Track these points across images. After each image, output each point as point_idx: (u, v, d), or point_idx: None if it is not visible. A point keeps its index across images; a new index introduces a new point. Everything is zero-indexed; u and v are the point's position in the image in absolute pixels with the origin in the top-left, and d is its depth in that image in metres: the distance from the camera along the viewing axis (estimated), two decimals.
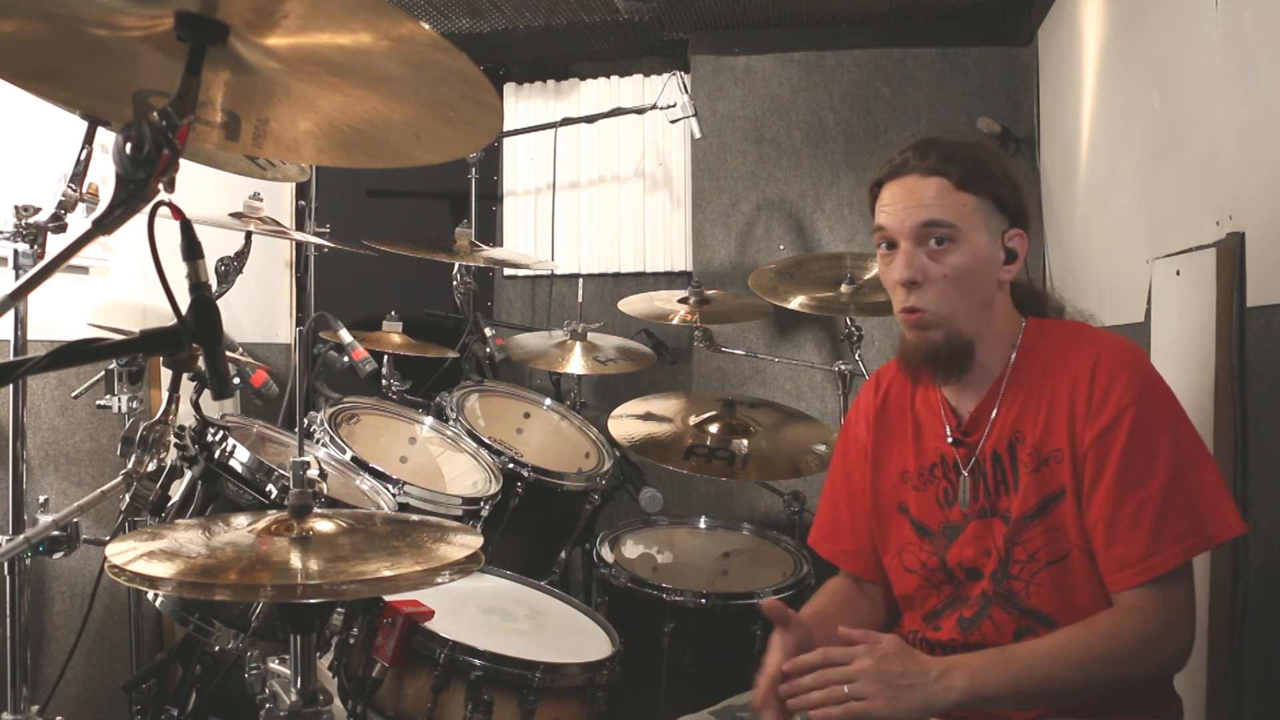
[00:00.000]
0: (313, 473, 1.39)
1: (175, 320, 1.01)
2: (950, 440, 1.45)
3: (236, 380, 2.08)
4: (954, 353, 1.40)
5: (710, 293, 3.05)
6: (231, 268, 2.38)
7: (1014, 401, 1.40)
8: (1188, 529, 1.25)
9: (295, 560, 1.26)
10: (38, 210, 1.91)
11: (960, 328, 1.39)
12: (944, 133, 1.44)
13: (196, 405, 1.79)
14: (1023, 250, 1.41)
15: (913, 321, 1.40)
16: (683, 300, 3.03)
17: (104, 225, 0.97)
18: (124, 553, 1.25)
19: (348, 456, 2.20)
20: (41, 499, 2.19)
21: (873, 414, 1.58)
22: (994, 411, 1.42)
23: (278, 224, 2.60)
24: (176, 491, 1.82)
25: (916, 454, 1.50)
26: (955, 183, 1.36)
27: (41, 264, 1.01)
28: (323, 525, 1.36)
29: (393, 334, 2.93)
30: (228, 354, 1.58)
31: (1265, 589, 1.51)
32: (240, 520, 1.40)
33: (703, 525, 2.72)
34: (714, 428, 2.68)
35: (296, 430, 2.05)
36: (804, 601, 2.37)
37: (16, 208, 1.90)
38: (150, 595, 1.82)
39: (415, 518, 1.52)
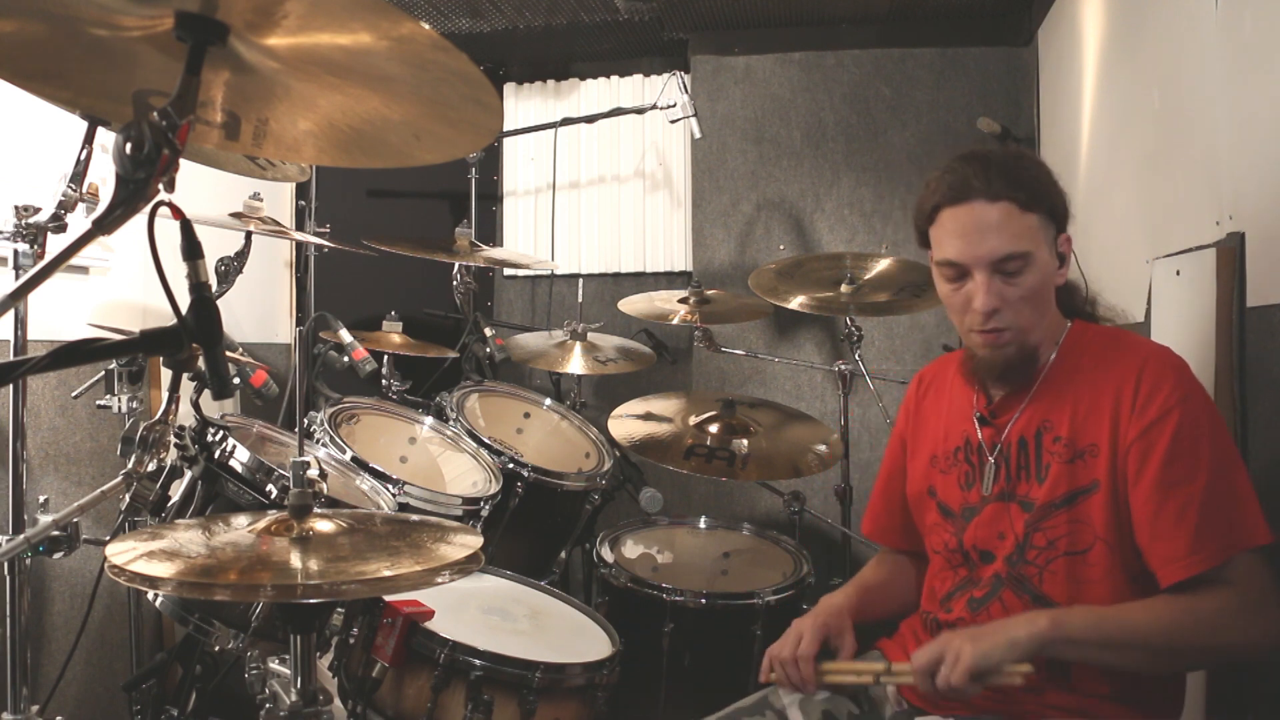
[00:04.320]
0: (313, 473, 1.39)
1: (175, 320, 1.01)
2: (977, 418, 1.51)
3: (236, 380, 2.08)
4: (1024, 361, 1.46)
5: (710, 293, 3.05)
6: (231, 268, 2.38)
7: (1047, 394, 1.45)
8: (1226, 529, 1.29)
9: (295, 560, 1.26)
10: (38, 210, 1.91)
11: (1029, 338, 1.45)
12: (985, 146, 1.48)
13: (196, 405, 1.79)
14: (1069, 252, 1.46)
15: (993, 342, 1.44)
16: (683, 300, 3.03)
17: (104, 225, 0.97)
18: (124, 553, 1.25)
19: (348, 456, 2.20)
20: (41, 499, 2.19)
21: (912, 407, 1.68)
22: (1025, 400, 1.47)
23: (278, 224, 2.60)
24: (176, 491, 1.82)
25: (944, 438, 1.57)
26: (1021, 206, 1.39)
27: (41, 264, 1.01)
28: (323, 525, 1.36)
29: (393, 334, 2.92)
30: (228, 354, 1.58)
31: None
32: (240, 520, 1.40)
33: (703, 525, 2.72)
34: (714, 428, 2.68)
35: (296, 430, 2.05)
36: (803, 601, 2.38)
37: (16, 208, 1.90)
38: (150, 595, 1.82)
39: (415, 518, 1.52)
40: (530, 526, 2.51)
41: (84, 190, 1.91)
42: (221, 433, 1.80)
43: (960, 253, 1.42)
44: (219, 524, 1.39)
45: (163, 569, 1.22)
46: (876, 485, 1.75)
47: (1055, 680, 1.37)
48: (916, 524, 1.63)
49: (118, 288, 2.55)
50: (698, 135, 3.24)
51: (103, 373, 2.14)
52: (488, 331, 3.06)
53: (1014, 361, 1.45)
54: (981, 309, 1.41)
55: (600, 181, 3.85)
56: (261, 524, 1.36)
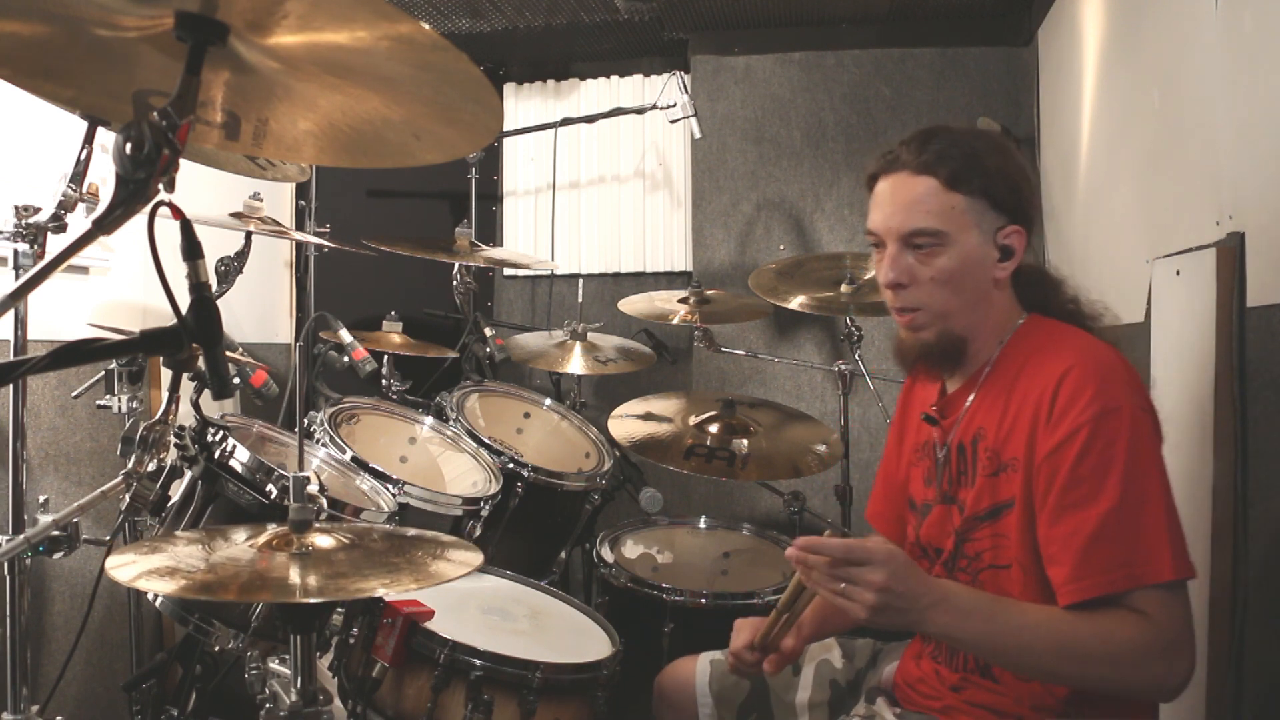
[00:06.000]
0: (312, 488, 1.40)
1: (175, 320, 1.01)
2: (925, 417, 1.50)
3: (236, 380, 2.08)
4: (946, 351, 1.41)
5: (710, 293, 3.05)
6: (231, 268, 2.37)
7: (985, 397, 1.41)
8: (1117, 563, 1.21)
9: (294, 576, 1.27)
10: (38, 210, 1.91)
11: (952, 326, 1.39)
12: (949, 124, 1.42)
13: (196, 405, 1.79)
14: (1020, 246, 1.39)
15: (904, 323, 1.42)
16: (683, 300, 3.03)
17: (104, 225, 0.97)
18: (123, 566, 1.26)
19: (348, 456, 2.20)
20: (41, 499, 2.19)
21: (902, 400, 1.67)
22: (968, 400, 1.44)
23: (278, 224, 2.60)
24: (176, 491, 1.82)
25: (917, 430, 1.56)
26: (945, 182, 1.34)
27: (41, 264, 1.01)
28: (322, 540, 1.37)
29: (393, 334, 2.92)
30: (228, 354, 1.58)
31: (1265, 589, 1.51)
32: (240, 535, 1.41)
33: (703, 525, 2.72)
34: (714, 428, 2.68)
35: (296, 430, 2.05)
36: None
37: (16, 208, 1.90)
38: (150, 595, 1.82)
39: (412, 532, 1.52)
40: (530, 526, 2.51)
41: (84, 190, 1.91)
42: (221, 433, 1.80)
43: (875, 222, 1.42)
44: (218, 538, 1.39)
45: (162, 585, 1.23)
46: (879, 471, 1.72)
47: (979, 680, 1.38)
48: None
49: (118, 288, 2.55)
50: (698, 135, 3.25)
51: (103, 373, 2.14)
52: (488, 331, 3.06)
53: (934, 348, 1.40)
54: (881, 280, 1.40)
55: (600, 181, 3.85)
56: (261, 539, 1.37)
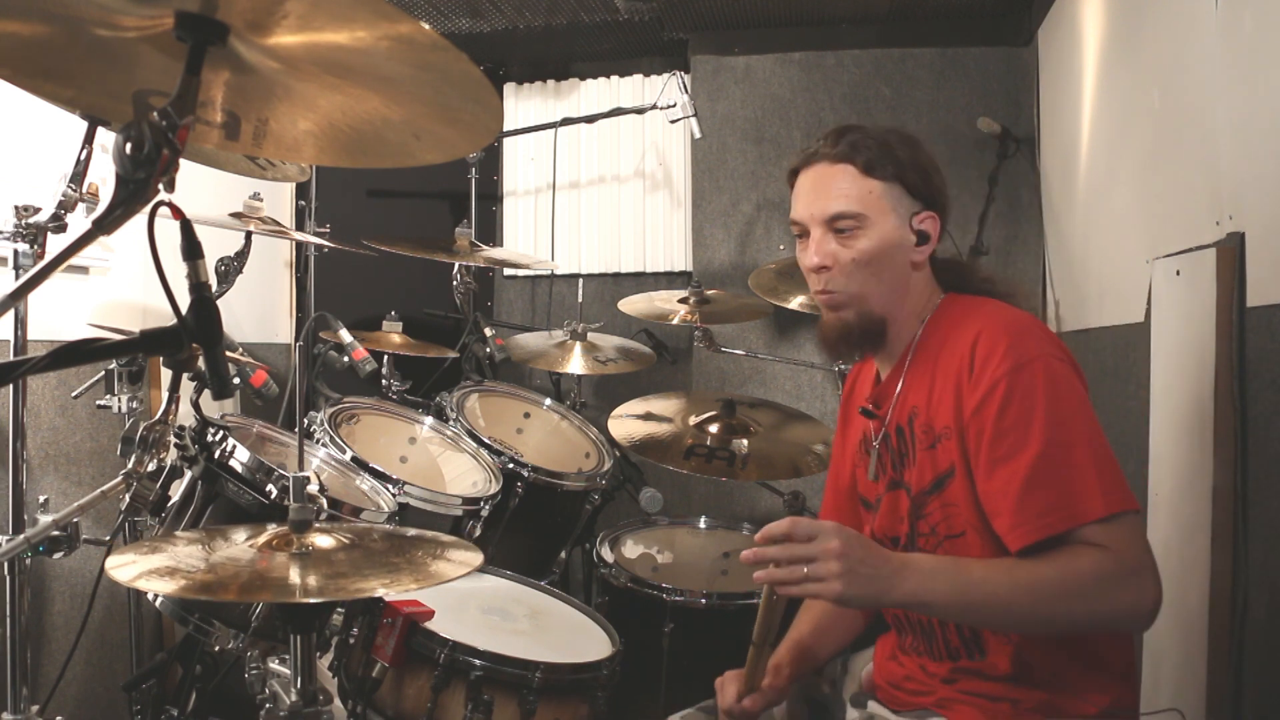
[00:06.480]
0: (312, 488, 1.40)
1: (175, 320, 1.01)
2: (862, 411, 1.53)
3: (236, 380, 2.08)
4: (865, 331, 1.46)
5: (710, 293, 3.05)
6: (231, 268, 2.38)
7: (914, 377, 1.46)
8: (1051, 506, 1.25)
9: (294, 577, 1.27)
10: (38, 210, 1.91)
11: (871, 307, 1.45)
12: (862, 122, 1.51)
13: (196, 405, 1.79)
14: (934, 231, 1.46)
15: (825, 302, 1.48)
16: (683, 300, 3.03)
17: (104, 225, 0.97)
18: (123, 566, 1.26)
19: (348, 456, 2.20)
20: (41, 499, 2.19)
21: (842, 404, 1.70)
22: (899, 386, 1.48)
23: (278, 224, 2.60)
24: (176, 491, 1.82)
25: (857, 431, 1.59)
26: (861, 169, 1.42)
27: (41, 264, 1.01)
28: (322, 540, 1.37)
29: (393, 334, 2.93)
30: (228, 354, 1.58)
31: (1265, 589, 1.51)
32: (239, 535, 1.41)
33: (703, 525, 2.72)
34: (714, 428, 2.68)
35: (296, 430, 2.05)
36: (802, 600, 2.37)
37: (16, 208, 1.90)
38: (150, 595, 1.82)
39: (412, 532, 1.52)
40: (530, 526, 2.52)
41: (84, 190, 1.91)
42: (221, 433, 1.80)
43: (797, 212, 1.48)
44: (218, 539, 1.39)
45: (162, 586, 1.23)
46: (826, 484, 1.73)
47: (967, 663, 1.39)
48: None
49: (118, 288, 2.55)
50: (698, 135, 3.25)
51: (103, 373, 2.14)
52: (488, 331, 3.06)
53: (853, 328, 1.45)
54: (805, 264, 1.46)
55: (600, 181, 3.85)
56: (261, 539, 1.37)
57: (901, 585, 1.23)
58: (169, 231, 0.99)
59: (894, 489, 1.47)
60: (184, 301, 1.03)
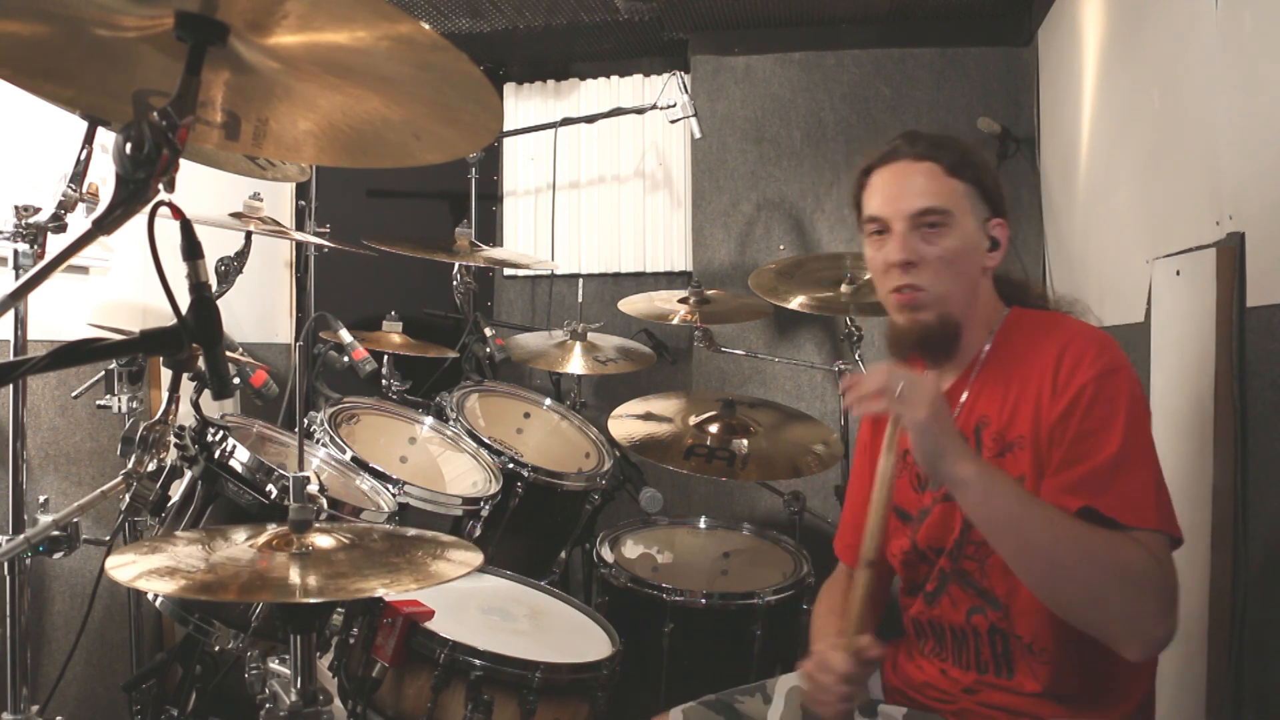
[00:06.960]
0: (312, 488, 1.40)
1: (175, 320, 1.01)
2: None
3: (236, 380, 2.08)
4: (945, 335, 1.43)
5: (710, 293, 3.05)
6: (231, 268, 2.38)
7: (984, 386, 1.44)
8: (1120, 495, 1.26)
9: (294, 577, 1.27)
10: (38, 210, 1.91)
11: (952, 309, 1.42)
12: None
13: (196, 405, 1.79)
14: (1004, 240, 1.45)
15: (906, 301, 1.42)
16: (683, 300, 3.03)
17: (104, 225, 0.97)
18: (123, 566, 1.26)
19: (348, 456, 2.20)
20: (41, 499, 2.19)
21: (869, 422, 1.64)
22: (964, 395, 1.45)
23: (278, 224, 2.60)
24: (176, 491, 1.82)
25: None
26: (946, 168, 1.41)
27: (41, 264, 1.01)
28: (322, 540, 1.37)
29: (393, 334, 2.93)
30: (228, 354, 1.58)
31: (1265, 589, 1.51)
32: (240, 534, 1.41)
33: (703, 525, 2.72)
34: (714, 428, 2.68)
35: (296, 430, 2.05)
36: (803, 601, 2.37)
37: (16, 208, 1.90)
38: (150, 595, 1.82)
39: (412, 532, 1.52)
40: (530, 526, 2.51)
41: (84, 190, 1.91)
42: (221, 433, 1.80)
43: (881, 207, 1.45)
44: (218, 539, 1.39)
45: (162, 585, 1.23)
46: (846, 501, 1.71)
47: (994, 679, 1.37)
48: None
49: (118, 288, 2.55)
50: (698, 135, 3.24)
51: (103, 373, 2.14)
52: (488, 331, 3.06)
53: (934, 332, 1.42)
54: (893, 258, 1.41)
55: (600, 181, 3.85)
56: (261, 539, 1.37)
57: (964, 468, 1.23)
58: (169, 231, 0.99)
59: (950, 500, 1.40)
60: (184, 301, 1.03)
